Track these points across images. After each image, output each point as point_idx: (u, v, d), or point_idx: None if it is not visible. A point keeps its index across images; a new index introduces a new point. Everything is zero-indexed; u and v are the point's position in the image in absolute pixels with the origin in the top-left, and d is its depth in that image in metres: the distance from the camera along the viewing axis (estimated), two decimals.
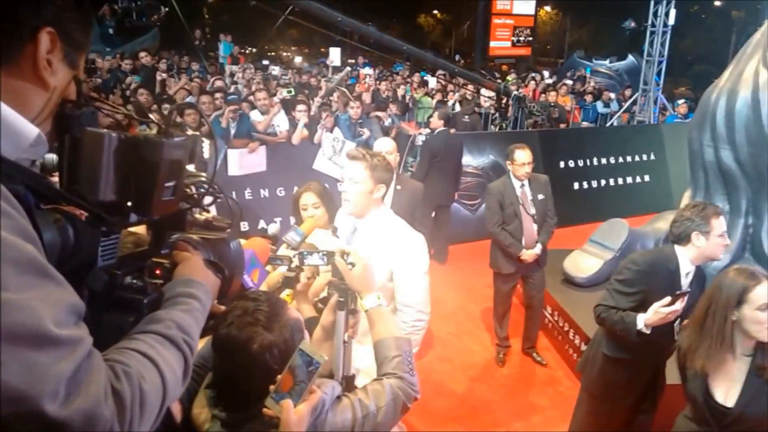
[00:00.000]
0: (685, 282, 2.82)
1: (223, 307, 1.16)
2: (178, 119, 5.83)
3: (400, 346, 1.62)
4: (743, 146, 4.97)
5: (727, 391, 2.25)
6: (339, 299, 1.76)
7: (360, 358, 2.31)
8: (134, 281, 0.99)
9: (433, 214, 6.71)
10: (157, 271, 1.06)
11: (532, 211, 4.53)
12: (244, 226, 6.30)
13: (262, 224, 6.37)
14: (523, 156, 4.42)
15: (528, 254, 4.51)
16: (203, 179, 1.13)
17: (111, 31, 16.38)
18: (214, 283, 1.11)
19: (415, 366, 1.65)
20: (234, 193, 6.36)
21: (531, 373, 4.75)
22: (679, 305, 2.60)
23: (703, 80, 5.88)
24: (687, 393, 2.41)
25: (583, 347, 4.50)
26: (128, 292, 0.97)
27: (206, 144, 1.17)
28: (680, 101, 11.06)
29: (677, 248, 2.85)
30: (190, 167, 1.15)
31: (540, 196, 4.54)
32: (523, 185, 4.52)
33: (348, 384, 1.76)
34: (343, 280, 1.75)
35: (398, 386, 1.54)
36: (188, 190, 1.11)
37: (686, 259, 2.82)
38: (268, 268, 2.19)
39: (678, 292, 2.62)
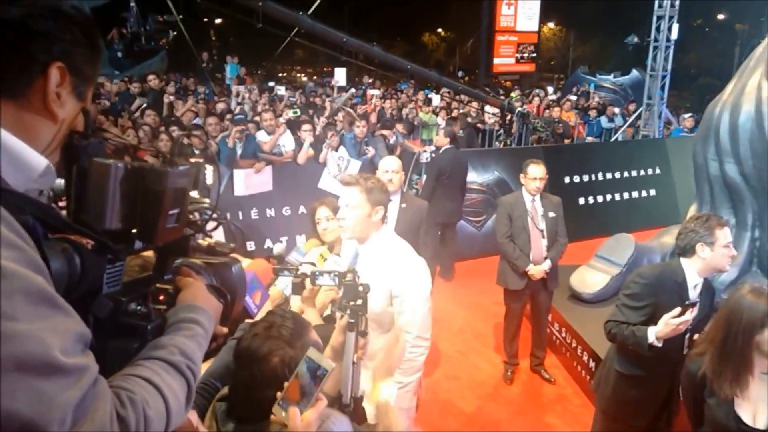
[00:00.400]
0: (694, 294, 2.81)
1: (225, 329, 1.18)
2: (185, 140, 5.90)
3: None
4: (748, 160, 4.97)
5: (753, 413, 2.20)
6: (350, 321, 1.79)
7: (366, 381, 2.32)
8: (138, 308, 1.01)
9: (439, 232, 6.72)
10: (161, 297, 1.08)
11: (542, 226, 4.54)
12: (250, 245, 6.34)
13: (268, 243, 6.40)
14: (535, 171, 4.48)
15: (536, 270, 4.50)
16: (206, 205, 1.15)
17: (119, 54, 16.67)
18: (217, 307, 1.13)
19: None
20: (240, 213, 6.41)
21: (540, 391, 4.72)
22: (689, 316, 2.60)
23: (707, 93, 5.90)
24: (711, 420, 2.34)
25: (591, 363, 4.47)
26: (133, 319, 0.99)
27: (209, 169, 1.20)
28: (686, 115, 11.08)
29: (683, 261, 2.85)
30: (194, 193, 1.17)
31: (551, 214, 4.56)
32: (534, 200, 4.55)
33: (356, 405, 1.78)
34: (354, 300, 1.78)
35: None
36: (191, 216, 1.14)
37: (693, 271, 2.82)
38: (280, 280, 2.23)
39: (687, 303, 2.62)
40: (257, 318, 1.64)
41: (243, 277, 1.21)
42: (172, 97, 9.31)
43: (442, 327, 5.68)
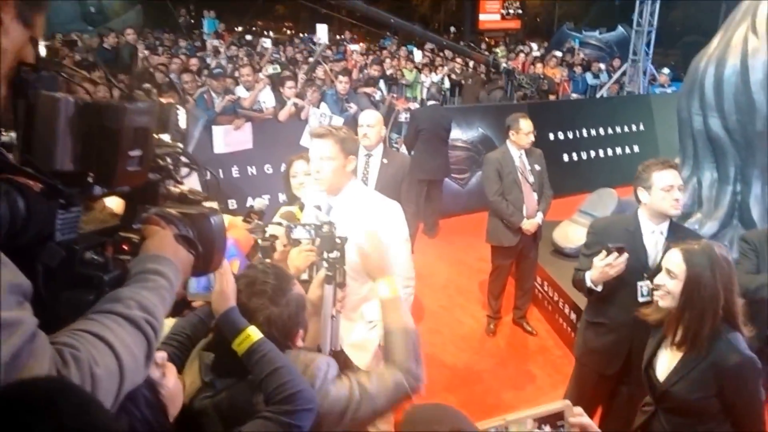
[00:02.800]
0: (651, 240, 2.76)
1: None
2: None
3: (408, 337, 1.62)
4: (732, 114, 4.95)
5: (668, 366, 2.19)
6: (327, 273, 1.75)
7: (347, 334, 2.30)
8: (95, 257, 0.93)
9: (425, 189, 6.68)
10: (125, 247, 1.00)
11: (532, 179, 4.52)
12: (232, 204, 6.26)
13: (250, 202, 6.32)
14: (527, 125, 4.46)
15: (530, 224, 4.49)
16: (178, 150, 1.07)
17: (92, 9, 16.06)
18: (186, 259, 1.05)
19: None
20: (221, 171, 6.30)
21: (521, 343, 4.78)
22: (613, 259, 2.58)
23: (692, 50, 5.82)
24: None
25: (573, 316, 4.52)
26: (88, 269, 0.91)
27: (182, 113, 1.12)
28: (664, 71, 11.02)
29: (638, 208, 2.83)
30: (165, 137, 1.10)
31: (537, 167, 4.55)
32: (521, 155, 4.51)
33: (336, 359, 1.75)
34: (330, 252, 1.73)
35: (403, 377, 1.55)
36: (161, 160, 1.06)
37: (645, 218, 2.78)
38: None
39: (610, 246, 2.60)
40: None
41: (222, 229, 1.13)
42: (146, 52, 9.01)
43: (425, 283, 5.70)
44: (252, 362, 1.35)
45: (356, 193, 2.62)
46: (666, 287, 2.14)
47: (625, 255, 2.60)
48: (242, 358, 1.36)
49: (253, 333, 1.38)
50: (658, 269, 2.64)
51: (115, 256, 0.98)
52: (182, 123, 1.09)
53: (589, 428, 1.10)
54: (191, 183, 1.19)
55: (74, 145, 0.85)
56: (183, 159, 1.08)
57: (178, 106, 1.09)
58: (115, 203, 1.10)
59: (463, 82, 11.33)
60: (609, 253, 2.60)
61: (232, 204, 6.25)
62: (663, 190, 2.68)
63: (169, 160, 1.06)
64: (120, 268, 0.96)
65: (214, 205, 1.15)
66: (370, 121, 4.14)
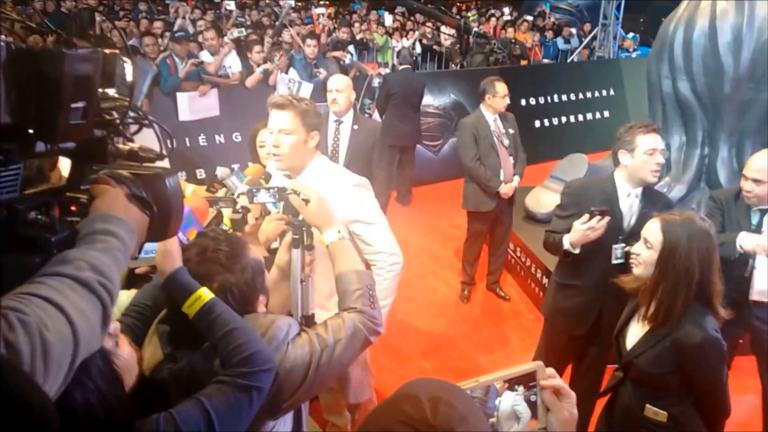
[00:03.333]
0: (626, 203, 2.75)
1: None
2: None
3: (361, 280, 1.58)
4: (700, 77, 4.98)
5: (636, 336, 2.17)
6: (294, 237, 1.69)
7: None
8: (40, 217, 0.86)
9: (397, 156, 6.62)
10: (72, 208, 0.93)
11: (507, 143, 4.50)
12: (200, 173, 6.11)
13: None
14: (503, 88, 4.42)
15: (508, 187, 4.48)
16: (126, 104, 0.99)
17: None
18: (139, 219, 0.98)
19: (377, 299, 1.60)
20: (187, 139, 6.14)
21: (495, 308, 4.82)
22: (596, 222, 2.57)
23: (660, 15, 5.82)
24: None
25: (545, 280, 4.57)
26: (33, 230, 0.85)
27: (128, 65, 1.03)
28: (628, 35, 11.04)
29: (615, 171, 2.81)
30: (111, 91, 1.01)
31: (511, 131, 4.53)
32: (496, 119, 4.48)
33: (307, 323, 1.71)
34: (296, 216, 1.66)
35: (359, 320, 1.51)
36: (108, 115, 0.98)
37: (623, 180, 2.76)
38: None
39: (593, 209, 2.58)
40: None
41: (179, 191, 1.05)
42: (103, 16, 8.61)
43: None
44: (204, 325, 1.29)
45: (321, 171, 2.36)
46: (642, 256, 2.10)
47: (607, 218, 2.59)
48: (194, 321, 1.29)
49: (204, 294, 1.31)
50: (632, 232, 2.66)
51: (62, 217, 0.91)
52: (129, 76, 1.00)
53: (561, 389, 1.08)
54: (151, 143, 1.11)
55: (9, 95, 0.77)
56: (131, 114, 0.99)
57: (124, 58, 1.00)
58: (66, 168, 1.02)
59: (435, 47, 11.19)
60: (592, 216, 2.58)
61: (201, 173, 6.11)
62: (646, 154, 2.65)
63: (115, 114, 0.97)
64: (68, 229, 0.89)
65: (167, 163, 1.06)
66: (339, 85, 4.03)
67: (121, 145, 1.04)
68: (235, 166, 5.25)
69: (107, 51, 0.96)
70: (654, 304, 2.04)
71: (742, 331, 3.16)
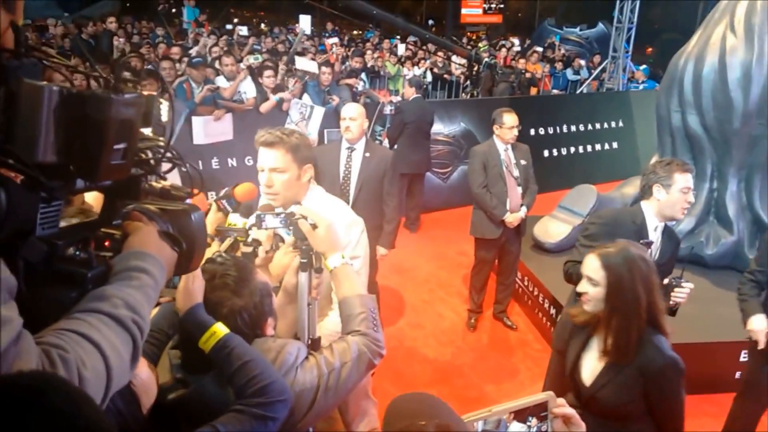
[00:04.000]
0: (654, 236, 2.79)
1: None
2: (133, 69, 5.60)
3: (364, 303, 1.62)
4: (709, 111, 5.03)
5: (594, 370, 2.14)
6: (302, 260, 1.72)
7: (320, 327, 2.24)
8: (78, 253, 0.90)
9: (406, 184, 6.67)
10: (106, 243, 0.97)
11: (516, 173, 4.54)
12: (212, 196, 6.17)
13: None
14: (511, 120, 4.47)
15: (513, 217, 4.51)
16: (160, 143, 1.03)
17: None
18: (170, 256, 1.02)
19: (381, 324, 1.64)
20: (200, 162, 6.22)
21: (502, 338, 4.81)
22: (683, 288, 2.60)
23: (670, 48, 5.90)
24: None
25: (552, 310, 4.57)
26: (71, 265, 0.88)
27: (164, 106, 1.09)
28: (640, 67, 11.14)
29: (643, 203, 2.86)
30: (147, 131, 1.06)
31: (522, 162, 4.57)
32: (507, 149, 4.53)
33: (314, 346, 1.74)
34: (304, 241, 1.71)
35: (363, 343, 1.55)
36: (144, 155, 1.02)
37: (651, 213, 2.81)
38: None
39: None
40: None
41: (203, 226, 1.10)
42: (122, 40, 8.83)
43: (407, 277, 5.71)
44: (220, 359, 1.32)
45: (318, 203, 2.30)
46: (589, 294, 2.10)
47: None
48: (210, 356, 1.33)
49: (219, 329, 1.35)
50: (656, 264, 2.70)
51: (96, 252, 0.95)
52: (164, 116, 1.05)
53: (572, 418, 1.11)
54: (172, 178, 1.16)
55: (57, 135, 0.81)
56: (167, 154, 1.04)
57: (161, 99, 1.05)
58: (91, 198, 1.07)
59: (446, 76, 11.34)
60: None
61: (212, 196, 6.16)
62: (681, 192, 2.73)
63: (150, 154, 1.02)
64: (103, 264, 0.93)
65: (201, 199, 1.10)
66: (353, 113, 4.11)
67: (153, 183, 1.08)
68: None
69: (146, 93, 1.02)
70: (611, 338, 2.04)
71: None
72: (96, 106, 0.85)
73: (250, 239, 1.81)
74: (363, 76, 8.18)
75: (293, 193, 2.24)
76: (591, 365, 2.16)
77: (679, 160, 2.87)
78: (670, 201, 2.74)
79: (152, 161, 1.02)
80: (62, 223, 0.93)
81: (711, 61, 5.04)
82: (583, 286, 2.12)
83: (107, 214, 1.01)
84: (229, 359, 1.32)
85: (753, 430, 3.10)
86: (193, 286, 1.37)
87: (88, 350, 0.79)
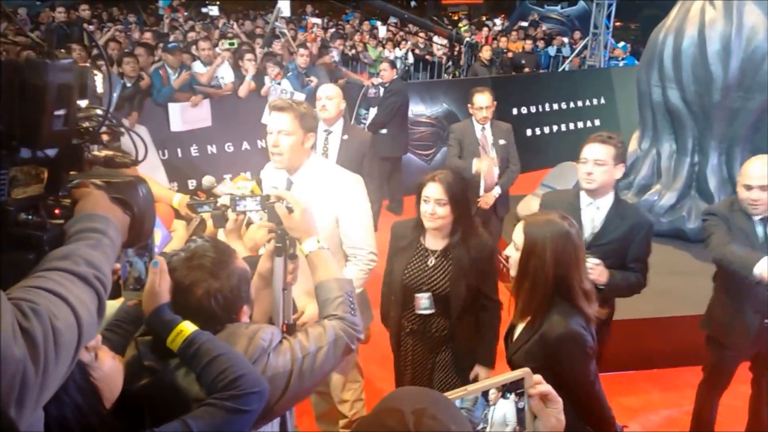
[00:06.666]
0: (588, 215, 2.76)
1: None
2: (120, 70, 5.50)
3: (341, 287, 1.59)
4: (690, 85, 5.03)
5: (517, 333, 2.16)
6: (276, 245, 1.69)
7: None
8: (31, 217, 0.92)
9: (388, 167, 6.64)
10: (56, 211, 0.97)
11: (492, 154, 4.52)
12: (192, 183, 6.10)
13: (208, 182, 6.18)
14: (481, 100, 4.45)
15: (488, 196, 4.49)
16: (99, 113, 1.02)
17: None
18: (122, 218, 1.02)
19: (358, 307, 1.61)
20: (179, 150, 6.13)
21: None
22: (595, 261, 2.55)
23: (651, 24, 5.88)
24: None
25: None
26: (25, 229, 0.90)
27: (98, 78, 1.07)
28: (619, 44, 11.15)
29: None
30: (83, 102, 1.04)
31: (501, 141, 4.54)
32: (484, 129, 4.51)
33: (289, 331, 1.71)
34: (280, 225, 1.67)
35: (340, 327, 1.52)
36: (84, 125, 1.02)
37: (584, 192, 2.79)
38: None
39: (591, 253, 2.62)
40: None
41: (150, 197, 1.09)
42: (92, 27, 8.63)
43: None
44: (188, 356, 1.29)
45: (316, 169, 2.56)
46: (512, 258, 2.11)
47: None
48: (178, 355, 1.30)
49: (186, 327, 1.32)
50: (593, 244, 2.67)
51: (48, 220, 0.96)
52: (99, 87, 1.04)
53: (549, 395, 1.08)
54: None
55: None
56: (106, 122, 1.03)
57: (95, 71, 1.03)
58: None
59: (427, 57, 11.27)
60: None
61: (192, 183, 6.09)
62: (581, 162, 2.72)
63: (88, 123, 1.02)
64: (57, 230, 0.94)
65: (163, 174, 1.09)
66: (330, 92, 4.04)
67: (96, 152, 1.07)
68: (227, 176, 5.24)
69: (80, 64, 1.00)
70: (519, 302, 2.06)
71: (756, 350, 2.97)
72: (33, 72, 0.84)
73: (219, 203, 1.83)
74: (334, 53, 7.98)
75: (296, 156, 2.48)
76: (519, 329, 2.16)
77: (597, 133, 2.81)
78: (579, 173, 2.75)
79: (91, 130, 1.02)
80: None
81: (690, 34, 5.03)
82: (508, 250, 2.14)
83: (53, 185, 1.00)
84: (197, 356, 1.28)
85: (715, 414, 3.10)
86: (160, 288, 1.34)
87: (57, 303, 0.81)
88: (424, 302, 2.61)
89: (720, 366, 3.03)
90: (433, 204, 2.50)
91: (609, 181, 2.72)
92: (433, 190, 2.51)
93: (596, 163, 2.67)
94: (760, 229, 2.82)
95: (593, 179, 2.69)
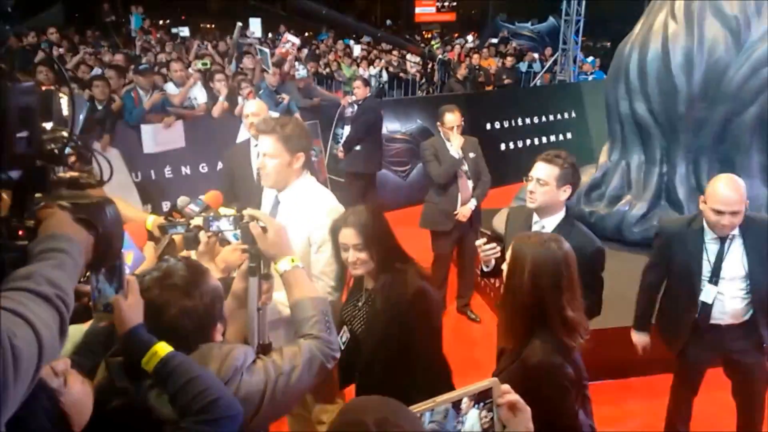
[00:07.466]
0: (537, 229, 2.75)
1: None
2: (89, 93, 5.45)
3: (316, 306, 1.59)
4: (655, 97, 5.15)
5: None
6: (250, 265, 1.68)
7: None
8: None
9: (363, 184, 6.66)
10: (20, 232, 0.97)
11: (465, 167, 4.57)
12: (166, 206, 6.03)
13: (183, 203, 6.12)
14: (451, 119, 4.50)
15: (464, 209, 4.53)
16: (64, 135, 1.02)
17: (9, 9, 15.17)
18: (85, 239, 1.02)
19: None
20: (153, 172, 6.08)
21: (467, 331, 4.83)
22: (486, 246, 2.58)
23: (619, 39, 6.03)
24: None
25: None
26: None
27: (64, 100, 1.06)
28: (588, 59, 11.40)
29: None
30: (48, 125, 1.04)
31: (471, 154, 4.59)
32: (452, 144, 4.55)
33: (264, 352, 1.70)
34: (253, 245, 1.66)
35: (315, 346, 1.52)
36: (48, 147, 1.01)
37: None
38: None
39: (482, 231, 2.66)
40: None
41: (118, 218, 1.09)
42: (61, 50, 8.56)
43: None
44: (163, 377, 1.28)
45: (303, 190, 2.55)
46: (504, 273, 2.11)
47: (493, 245, 2.59)
48: (153, 376, 1.29)
49: (162, 348, 1.31)
50: None
51: (11, 242, 0.96)
52: (65, 110, 1.04)
53: (517, 404, 1.09)
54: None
55: None
56: (70, 143, 1.03)
57: (60, 93, 1.03)
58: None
59: (401, 75, 11.39)
60: (482, 238, 2.67)
61: (166, 205, 6.02)
62: (527, 180, 2.72)
63: (53, 145, 1.01)
64: (19, 251, 0.94)
65: (135, 196, 1.09)
66: (254, 109, 4.03)
67: (61, 174, 1.07)
68: (202, 197, 5.17)
69: (44, 87, 1.00)
70: (502, 323, 2.07)
71: (712, 356, 3.01)
72: None
73: (191, 225, 1.82)
74: (299, 66, 7.96)
75: (283, 177, 2.49)
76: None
77: (551, 151, 2.80)
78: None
79: (56, 151, 1.01)
80: None
81: (654, 47, 5.16)
82: (505, 266, 2.12)
83: (17, 208, 1.00)
84: (172, 377, 1.27)
85: (690, 415, 3.13)
86: (129, 308, 1.32)
87: (17, 323, 0.80)
88: (340, 339, 2.32)
89: (682, 369, 3.08)
90: (352, 250, 2.23)
91: (551, 201, 2.68)
92: (348, 236, 2.23)
93: (539, 182, 2.65)
94: (714, 247, 2.80)
95: (534, 198, 2.69)
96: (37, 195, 1.01)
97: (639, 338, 3.12)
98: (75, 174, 1.07)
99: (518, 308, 1.93)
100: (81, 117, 1.18)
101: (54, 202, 1.01)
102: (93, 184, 1.08)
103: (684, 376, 3.08)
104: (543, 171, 2.66)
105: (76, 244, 0.98)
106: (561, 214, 2.74)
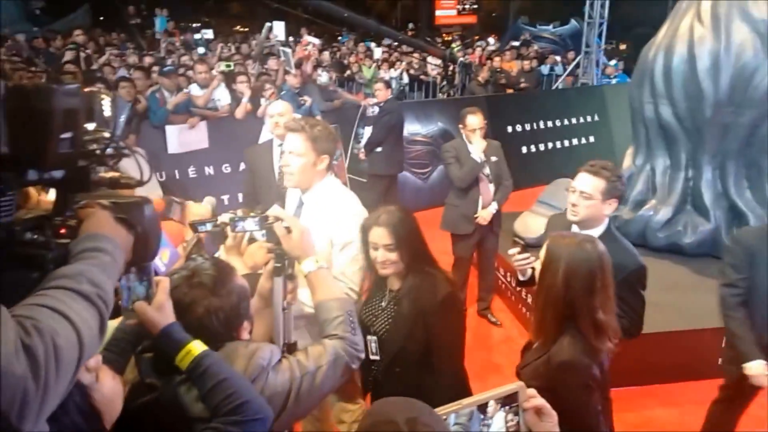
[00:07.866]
0: None
1: None
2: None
3: (342, 307, 1.60)
4: (681, 101, 5.09)
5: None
6: (276, 265, 1.71)
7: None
8: (35, 236, 0.94)
9: (386, 185, 6.68)
10: (62, 231, 1.00)
11: (487, 171, 4.56)
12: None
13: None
14: (474, 121, 4.46)
15: (485, 212, 4.52)
16: (106, 136, 1.05)
17: (37, 11, 15.53)
18: (125, 238, 1.05)
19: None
20: (177, 171, 6.16)
21: (487, 335, 4.81)
22: (520, 255, 2.51)
23: (643, 42, 5.97)
24: None
25: None
26: (29, 248, 0.93)
27: (106, 102, 1.09)
28: (611, 62, 11.28)
29: None
30: (91, 126, 1.07)
31: (493, 158, 4.57)
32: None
33: (289, 350, 1.72)
34: (279, 245, 1.69)
35: (340, 346, 1.53)
36: (91, 147, 1.04)
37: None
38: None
39: (516, 240, 2.57)
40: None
41: (156, 217, 1.12)
42: (88, 51, 8.70)
43: None
44: (195, 376, 1.30)
45: (327, 191, 2.54)
46: (536, 270, 2.12)
47: (527, 254, 2.53)
48: (186, 374, 1.32)
49: (195, 347, 1.32)
50: None
51: (54, 240, 0.98)
52: (107, 111, 1.07)
53: (543, 408, 1.09)
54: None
55: (6, 128, 0.85)
56: (111, 144, 1.06)
57: (102, 95, 1.06)
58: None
59: (422, 77, 11.39)
60: (522, 250, 2.55)
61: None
62: (569, 191, 2.57)
63: (95, 146, 1.04)
64: (61, 249, 0.96)
65: (151, 186, 1.12)
66: (281, 109, 4.03)
67: (102, 174, 1.09)
68: (225, 197, 5.23)
69: (88, 89, 1.03)
70: (534, 319, 2.06)
71: None
72: (40, 97, 0.87)
73: (218, 221, 1.85)
74: (322, 72, 8.02)
75: (307, 177, 2.48)
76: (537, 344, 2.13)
77: (592, 161, 2.64)
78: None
79: (98, 152, 1.04)
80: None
81: (680, 51, 5.11)
82: (537, 263, 2.13)
83: (60, 207, 1.03)
84: (204, 376, 1.29)
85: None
86: (166, 304, 1.34)
87: (59, 321, 0.82)
88: (370, 347, 2.32)
89: (738, 385, 2.81)
90: (382, 250, 2.21)
91: (595, 215, 2.53)
92: (379, 235, 2.20)
93: (582, 195, 2.51)
94: None
95: (577, 211, 2.54)
96: (79, 194, 1.03)
97: (756, 367, 2.59)
98: (115, 174, 1.10)
99: (550, 307, 1.94)
100: (122, 118, 1.20)
101: (95, 201, 1.04)
102: (132, 184, 1.11)
103: (739, 391, 2.83)
104: (587, 183, 2.50)
105: (117, 244, 1.00)
106: (603, 227, 2.58)
